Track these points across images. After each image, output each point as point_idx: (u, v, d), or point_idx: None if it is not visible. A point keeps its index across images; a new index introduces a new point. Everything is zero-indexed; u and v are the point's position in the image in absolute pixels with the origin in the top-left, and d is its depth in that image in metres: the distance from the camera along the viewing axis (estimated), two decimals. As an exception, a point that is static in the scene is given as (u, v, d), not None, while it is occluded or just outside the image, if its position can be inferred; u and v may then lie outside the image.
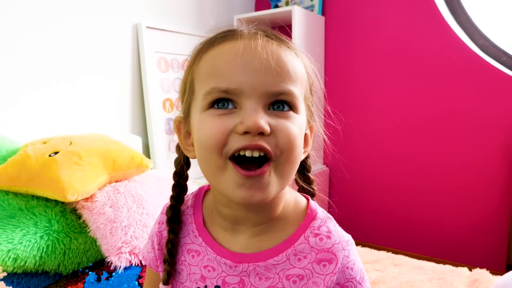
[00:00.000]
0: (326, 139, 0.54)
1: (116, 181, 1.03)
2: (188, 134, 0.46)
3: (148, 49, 1.73)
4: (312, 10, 2.16)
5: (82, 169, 0.94)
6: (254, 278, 0.43)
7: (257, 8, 2.38)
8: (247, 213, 0.44)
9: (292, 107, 0.41)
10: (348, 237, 0.46)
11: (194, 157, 0.45)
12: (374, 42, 2.01)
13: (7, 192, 0.95)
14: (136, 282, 0.79)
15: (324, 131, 0.53)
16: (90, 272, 0.84)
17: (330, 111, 0.56)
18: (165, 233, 0.48)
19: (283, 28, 2.02)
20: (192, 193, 0.51)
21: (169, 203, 0.49)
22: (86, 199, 0.95)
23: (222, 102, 0.40)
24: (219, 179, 0.40)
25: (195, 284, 0.45)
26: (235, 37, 0.42)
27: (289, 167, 0.41)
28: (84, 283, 0.80)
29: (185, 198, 0.50)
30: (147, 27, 1.72)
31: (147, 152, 1.75)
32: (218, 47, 0.42)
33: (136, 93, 1.74)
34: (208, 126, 0.39)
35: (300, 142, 0.41)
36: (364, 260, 1.06)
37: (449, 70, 1.85)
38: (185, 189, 0.50)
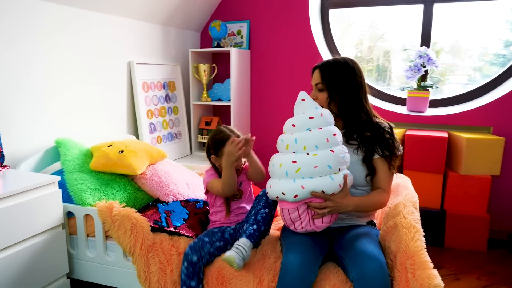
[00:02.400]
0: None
1: (151, 164, 2.00)
2: (217, 159, 1.59)
3: (138, 77, 2.62)
4: (241, 46, 3.20)
5: (139, 158, 1.89)
6: None
7: (202, 44, 3.37)
8: None
9: None
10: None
11: (220, 165, 1.57)
12: (279, 66, 3.14)
13: (99, 172, 1.87)
14: (180, 206, 1.80)
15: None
16: (158, 204, 1.82)
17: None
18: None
19: (227, 56, 3.02)
20: None
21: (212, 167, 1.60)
22: (141, 174, 1.91)
23: None
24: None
25: None
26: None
27: None
28: (158, 208, 1.78)
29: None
30: (137, 63, 2.61)
31: (138, 145, 2.66)
32: None
33: (130, 106, 2.63)
34: None
35: None
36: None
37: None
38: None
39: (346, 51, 3.21)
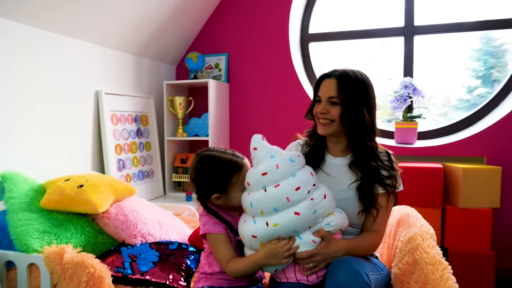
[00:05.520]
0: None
1: (116, 201, 1.70)
2: (219, 198, 1.20)
3: (106, 108, 2.37)
4: (219, 79, 3.04)
5: (101, 194, 1.60)
6: None
7: (177, 78, 3.19)
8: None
9: None
10: None
11: (220, 204, 1.21)
12: (259, 99, 2.97)
13: (52, 211, 1.55)
14: (149, 248, 1.49)
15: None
16: (121, 248, 1.50)
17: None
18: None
19: (204, 90, 2.82)
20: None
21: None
22: (103, 213, 1.61)
23: None
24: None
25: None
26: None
27: None
28: (121, 252, 1.46)
29: None
30: (105, 93, 2.38)
31: (104, 184, 2.35)
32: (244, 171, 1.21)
33: (96, 140, 2.35)
34: None
35: None
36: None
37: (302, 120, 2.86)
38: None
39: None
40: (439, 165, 2.38)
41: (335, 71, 1.29)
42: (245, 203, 1.15)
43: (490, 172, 2.29)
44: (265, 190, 1.10)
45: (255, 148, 1.16)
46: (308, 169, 1.17)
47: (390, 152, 1.33)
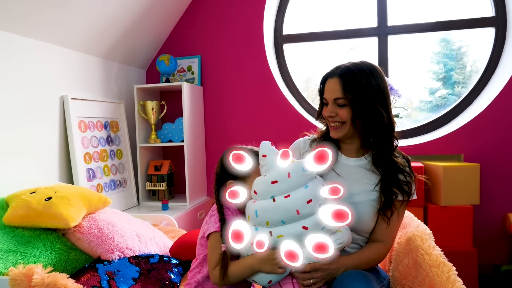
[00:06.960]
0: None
1: (89, 214, 1.56)
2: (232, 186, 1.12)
3: (73, 114, 2.20)
4: (192, 82, 2.93)
5: (73, 207, 1.45)
6: None
7: (148, 82, 3.05)
8: None
9: None
10: None
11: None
12: (235, 102, 2.89)
13: (17, 227, 1.40)
14: (128, 263, 1.36)
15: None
16: (97, 264, 1.36)
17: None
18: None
19: (177, 94, 2.71)
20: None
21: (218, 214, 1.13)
22: (75, 227, 1.47)
23: None
24: None
25: None
26: None
27: None
28: (97, 270, 1.33)
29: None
30: (72, 98, 2.21)
31: (73, 196, 2.18)
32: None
33: (63, 149, 2.18)
34: None
35: None
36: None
37: (280, 122, 2.81)
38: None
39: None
40: (419, 164, 2.38)
41: (337, 68, 1.19)
42: (250, 211, 1.07)
43: (469, 169, 2.31)
44: (274, 200, 1.02)
45: (264, 155, 1.09)
46: (320, 180, 1.09)
47: (409, 157, 1.26)
